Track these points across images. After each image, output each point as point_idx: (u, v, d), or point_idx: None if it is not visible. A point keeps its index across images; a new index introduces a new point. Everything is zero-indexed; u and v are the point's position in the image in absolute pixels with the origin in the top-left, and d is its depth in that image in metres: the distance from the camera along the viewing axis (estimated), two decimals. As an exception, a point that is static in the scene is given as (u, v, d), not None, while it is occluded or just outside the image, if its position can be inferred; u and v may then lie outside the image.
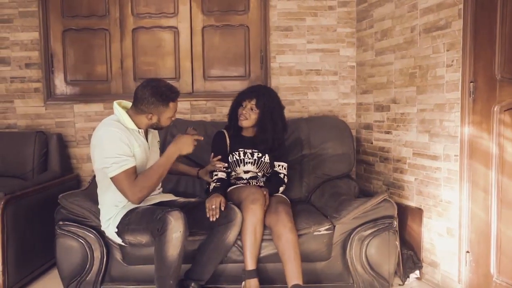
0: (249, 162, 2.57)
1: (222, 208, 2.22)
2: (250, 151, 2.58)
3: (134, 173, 2.07)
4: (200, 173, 2.57)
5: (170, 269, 2.01)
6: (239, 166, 2.57)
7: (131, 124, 2.13)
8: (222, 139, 2.60)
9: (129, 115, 2.14)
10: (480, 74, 2.20)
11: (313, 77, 3.34)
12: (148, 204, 2.22)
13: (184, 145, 2.16)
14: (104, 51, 3.28)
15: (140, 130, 2.17)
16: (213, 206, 2.21)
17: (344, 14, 3.30)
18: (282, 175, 2.60)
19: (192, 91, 3.33)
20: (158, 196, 2.35)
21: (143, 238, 2.11)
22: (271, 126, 2.53)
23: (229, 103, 3.26)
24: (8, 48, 3.21)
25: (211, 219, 2.20)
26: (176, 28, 3.30)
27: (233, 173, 2.59)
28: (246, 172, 2.58)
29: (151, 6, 3.28)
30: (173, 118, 2.21)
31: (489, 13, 2.13)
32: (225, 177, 2.51)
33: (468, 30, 2.23)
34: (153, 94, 2.09)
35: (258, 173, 2.60)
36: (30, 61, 3.22)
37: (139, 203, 2.13)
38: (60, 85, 3.29)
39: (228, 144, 2.59)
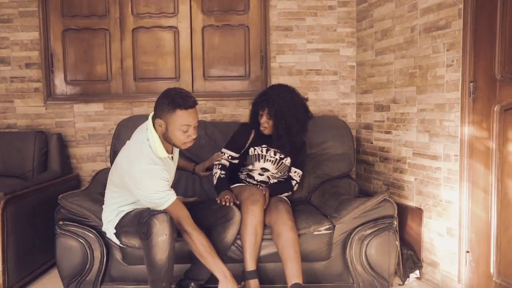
0: (270, 160, 2.55)
1: (232, 203, 2.27)
2: (273, 150, 2.56)
3: (180, 202, 2.09)
4: (196, 168, 2.56)
5: (160, 273, 1.99)
6: (259, 161, 2.54)
7: (162, 153, 2.07)
8: (246, 133, 2.58)
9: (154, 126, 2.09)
10: (480, 74, 2.20)
11: (313, 77, 3.34)
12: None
13: None
14: (104, 51, 3.28)
15: (169, 155, 2.14)
16: (227, 197, 2.28)
17: (344, 14, 3.30)
18: (294, 182, 2.59)
19: (192, 91, 3.33)
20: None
21: (135, 241, 2.10)
22: (285, 132, 2.45)
23: (229, 103, 3.31)
24: (8, 48, 3.21)
25: (227, 204, 2.24)
26: (176, 28, 3.30)
27: (249, 166, 2.57)
28: (263, 169, 2.56)
29: (151, 6, 3.28)
30: (190, 136, 2.05)
31: (489, 13, 2.13)
32: (228, 165, 2.52)
33: (468, 30, 2.23)
34: (163, 96, 2.04)
35: (275, 175, 2.58)
36: (30, 61, 3.22)
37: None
38: (60, 85, 3.29)
39: (252, 138, 2.57)
